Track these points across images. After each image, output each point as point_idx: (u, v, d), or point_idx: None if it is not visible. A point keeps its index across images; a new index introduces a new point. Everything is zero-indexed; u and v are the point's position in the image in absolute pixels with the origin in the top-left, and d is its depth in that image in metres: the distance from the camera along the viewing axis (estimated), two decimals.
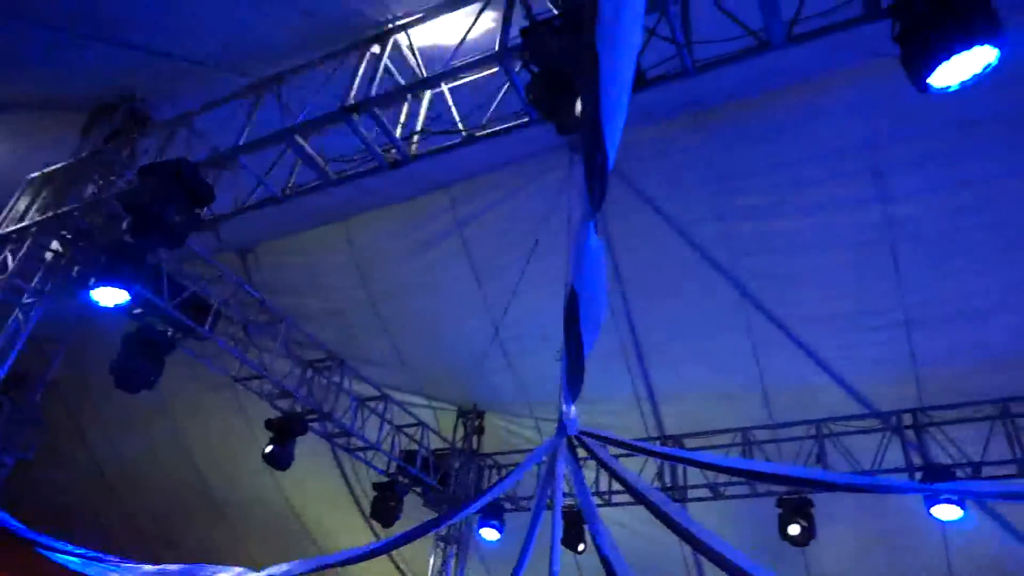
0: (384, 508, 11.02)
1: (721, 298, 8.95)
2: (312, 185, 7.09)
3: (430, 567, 11.84)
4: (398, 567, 14.31)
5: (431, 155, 6.54)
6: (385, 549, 5.84)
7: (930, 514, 8.72)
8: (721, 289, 8.91)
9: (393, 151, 6.48)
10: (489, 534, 11.46)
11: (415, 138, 6.47)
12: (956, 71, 4.36)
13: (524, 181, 8.79)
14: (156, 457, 14.03)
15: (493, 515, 11.40)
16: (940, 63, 4.31)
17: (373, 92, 6.26)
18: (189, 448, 13.85)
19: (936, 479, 8.52)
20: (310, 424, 10.28)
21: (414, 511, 11.20)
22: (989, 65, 4.27)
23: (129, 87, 8.16)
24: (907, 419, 9.30)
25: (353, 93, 6.32)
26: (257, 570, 5.24)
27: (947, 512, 8.62)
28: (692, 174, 8.30)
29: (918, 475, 8.93)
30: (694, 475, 10.25)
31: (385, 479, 11.33)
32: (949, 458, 8.99)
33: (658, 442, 10.45)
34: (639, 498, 5.03)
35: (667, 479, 10.46)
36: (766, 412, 10.07)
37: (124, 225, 6.73)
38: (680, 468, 10.33)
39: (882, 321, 8.65)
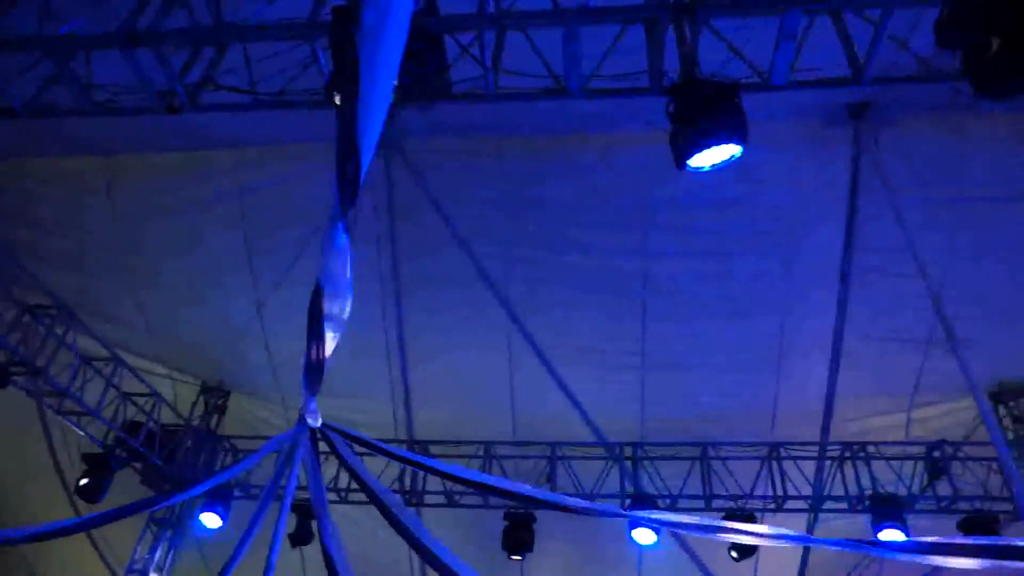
0: (91, 483, 9.88)
1: (490, 316, 9.33)
2: (65, 109, 6.20)
3: (135, 551, 10.81)
4: (97, 548, 12.85)
5: (217, 110, 6.06)
6: (86, 526, 5.26)
7: (631, 537, 9.77)
8: (491, 308, 9.28)
9: (175, 97, 5.89)
10: (210, 520, 10.74)
11: (201, 89, 5.93)
12: (710, 157, 5.16)
13: (319, 163, 8.51)
14: None
15: (219, 501, 10.72)
16: (699, 149, 5.06)
17: (163, 25, 5.58)
18: None
19: (640, 507, 9.56)
20: (14, 377, 8.95)
21: (128, 490, 10.16)
22: (734, 156, 5.14)
23: None
24: (628, 451, 10.38)
25: (138, 19, 5.62)
26: None
27: (645, 537, 9.72)
28: (487, 193, 8.62)
29: (627, 501, 9.98)
30: (434, 481, 10.50)
31: (99, 451, 10.18)
32: (655, 489, 10.17)
33: (405, 446, 10.56)
34: (372, 498, 5.07)
35: (407, 483, 10.60)
36: (511, 429, 10.65)
37: None
38: (421, 473, 10.53)
39: (624, 363, 9.63)
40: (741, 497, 9.86)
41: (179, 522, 11.26)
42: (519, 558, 10.20)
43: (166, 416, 11.01)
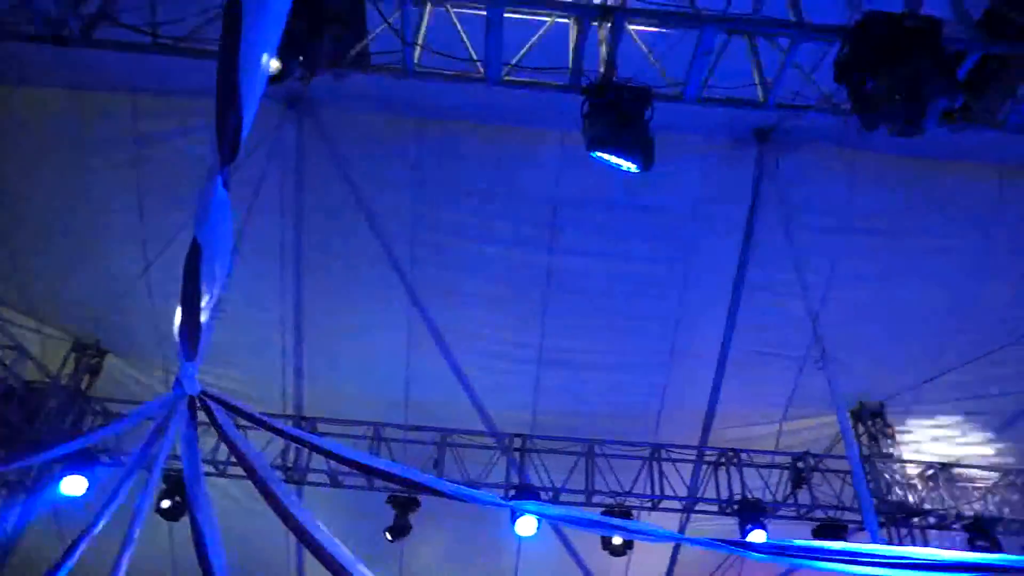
0: None
1: (392, 297, 9.23)
2: None
3: None
4: None
5: (111, 48, 5.65)
6: None
7: (512, 528, 9.90)
8: (394, 289, 9.18)
9: (65, 26, 5.42)
10: (72, 486, 10.04)
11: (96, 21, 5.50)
12: (614, 159, 5.41)
13: None
14: None
15: (83, 466, 10.03)
16: (604, 151, 5.27)
17: None
18: None
19: (523, 498, 9.70)
20: None
21: None
22: (631, 170, 5.43)
23: None
24: (517, 443, 10.51)
25: None
26: None
27: (525, 528, 9.87)
28: (401, 173, 8.49)
29: (512, 492, 10.10)
30: (318, 460, 10.27)
31: None
32: (540, 482, 10.34)
33: (291, 422, 10.27)
34: (249, 472, 4.89)
35: (290, 459, 10.32)
36: (403, 413, 10.56)
37: None
38: (305, 451, 10.27)
39: (521, 356, 9.75)
40: (621, 495, 10.18)
41: (35, 487, 10.49)
42: (396, 542, 10.14)
43: (31, 373, 10.23)
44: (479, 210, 8.64)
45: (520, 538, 10.75)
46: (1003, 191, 8.54)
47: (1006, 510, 10.19)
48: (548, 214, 8.70)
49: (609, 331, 9.59)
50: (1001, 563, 4.24)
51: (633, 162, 5.30)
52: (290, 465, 10.20)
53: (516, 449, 10.50)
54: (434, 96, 7.25)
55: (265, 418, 5.35)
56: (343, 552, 4.55)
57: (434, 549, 11.59)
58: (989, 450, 10.54)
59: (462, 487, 8.20)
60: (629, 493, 10.21)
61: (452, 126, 8.00)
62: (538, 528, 9.86)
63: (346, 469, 10.03)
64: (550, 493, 10.17)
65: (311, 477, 10.28)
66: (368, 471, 7.60)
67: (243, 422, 5.35)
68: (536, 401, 10.24)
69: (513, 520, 9.75)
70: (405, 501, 10.08)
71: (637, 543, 10.55)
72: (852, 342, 9.28)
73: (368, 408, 10.46)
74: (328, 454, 5.98)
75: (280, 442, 10.02)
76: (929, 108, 4.77)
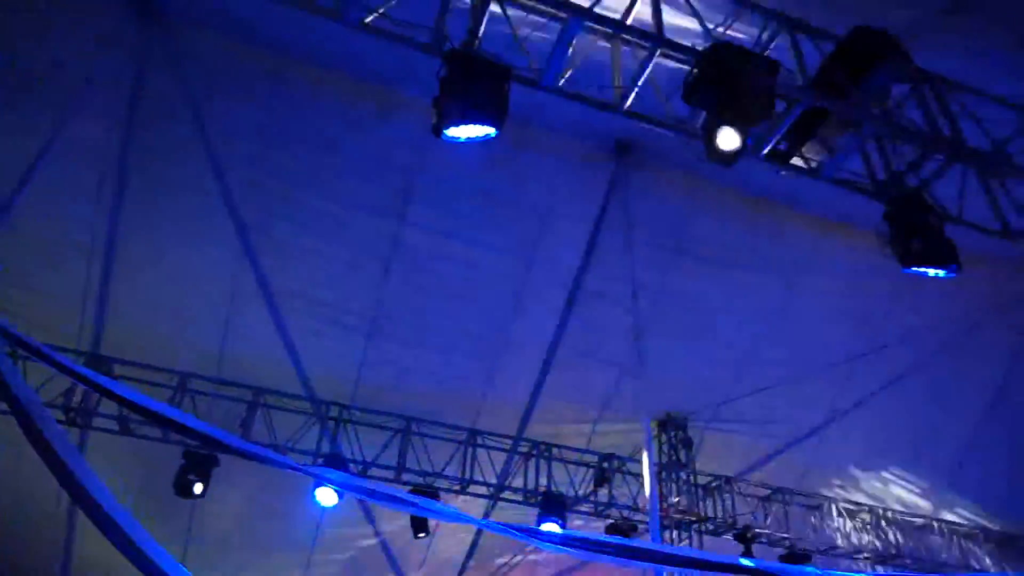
0: None
1: (220, 240, 8.58)
2: None
3: None
4: None
5: None
6: None
7: (313, 496, 9.61)
8: (224, 233, 8.55)
9: None
10: None
11: None
12: (466, 131, 5.22)
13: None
14: None
15: None
16: (457, 121, 5.13)
17: None
18: None
19: (331, 468, 9.43)
20: None
21: None
22: (489, 135, 5.25)
23: None
24: (334, 411, 10.20)
25: None
26: None
27: (327, 498, 9.61)
28: (251, 112, 7.90)
29: (319, 460, 9.79)
30: (110, 404, 9.37)
31: None
32: (351, 454, 10.11)
33: (84, 359, 9.29)
34: (12, 408, 4.31)
35: (76, 399, 9.33)
36: (215, 366, 9.88)
37: None
38: (95, 393, 9.34)
39: (351, 323, 9.45)
40: (431, 475, 10.19)
41: None
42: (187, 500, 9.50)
43: None
44: (328, 165, 8.23)
45: (322, 509, 10.48)
46: (817, 243, 9.46)
47: (770, 522, 11.44)
48: (401, 183, 8.47)
49: (444, 313, 9.53)
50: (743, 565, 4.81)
51: (487, 125, 5.17)
52: (74, 406, 9.22)
53: (331, 418, 10.20)
54: (296, 33, 6.80)
55: (46, 349, 4.74)
56: (115, 504, 4.12)
57: (228, 511, 10.97)
58: (765, 471, 11.67)
59: (265, 449, 7.84)
60: (439, 474, 10.25)
61: (312, 72, 7.54)
62: (340, 500, 9.64)
63: (140, 417, 9.28)
64: (360, 466, 9.99)
65: (98, 423, 9.36)
66: (163, 422, 7.04)
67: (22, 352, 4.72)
68: (360, 372, 9.97)
69: (314, 489, 9.46)
70: (203, 458, 9.45)
71: (442, 525, 10.63)
72: (669, 357, 9.89)
73: (176, 356, 9.69)
74: (119, 399, 5.42)
75: (64, 380, 9.05)
76: (748, 138, 5.17)
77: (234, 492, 10.44)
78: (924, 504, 12.56)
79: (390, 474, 10.09)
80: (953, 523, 12.71)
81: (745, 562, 4.51)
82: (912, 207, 6.11)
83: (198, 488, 9.48)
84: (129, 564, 3.58)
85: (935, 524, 12.56)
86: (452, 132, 5.17)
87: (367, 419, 10.31)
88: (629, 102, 5.74)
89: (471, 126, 5.14)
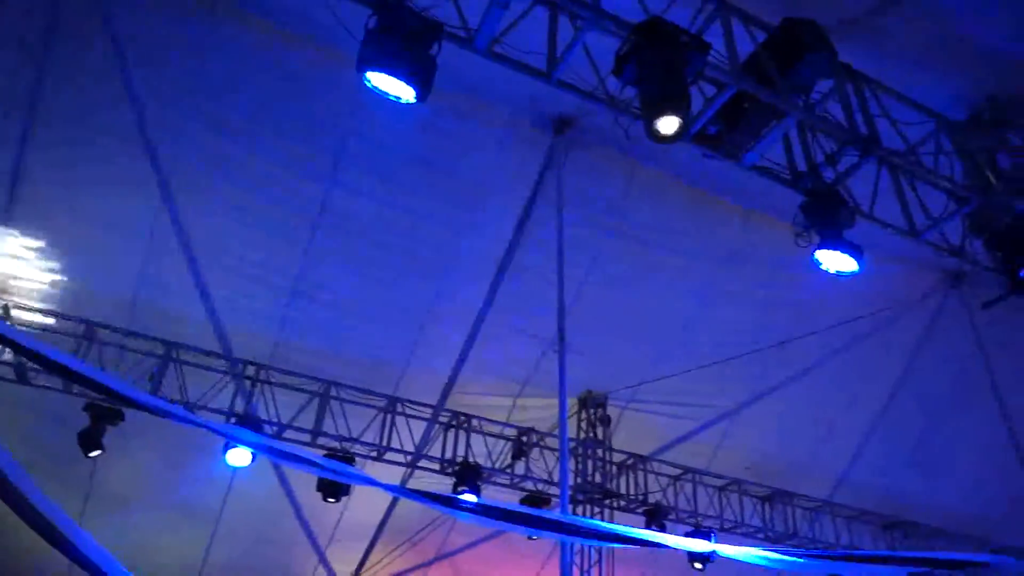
0: None
1: (140, 181, 8.07)
2: None
3: None
4: None
5: None
6: None
7: (224, 458, 9.36)
8: (145, 181, 8.09)
9: None
10: None
11: None
12: (389, 83, 5.15)
13: None
14: None
15: None
16: (375, 68, 5.06)
17: None
18: None
19: (245, 428, 9.19)
20: None
21: None
22: (410, 101, 5.21)
23: None
24: (251, 371, 9.93)
25: None
26: None
27: (239, 459, 9.39)
28: (176, 52, 7.48)
29: (233, 420, 9.53)
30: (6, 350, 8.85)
31: None
32: (267, 415, 9.88)
33: None
34: None
35: None
36: (127, 316, 9.44)
37: None
38: None
39: (273, 281, 9.19)
40: (348, 440, 10.08)
41: None
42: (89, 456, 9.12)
43: None
44: (258, 117, 7.89)
45: (233, 470, 10.25)
46: (747, 233, 9.71)
47: (680, 501, 11.84)
48: (334, 143, 8.21)
49: (371, 279, 9.36)
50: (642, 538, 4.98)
51: (411, 87, 5.09)
52: None
53: (248, 377, 9.93)
54: None
55: None
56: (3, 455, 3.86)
57: (134, 469, 10.60)
58: (679, 450, 12.03)
59: (174, 405, 7.59)
60: (356, 440, 10.15)
61: (248, 18, 7.17)
62: (252, 462, 9.43)
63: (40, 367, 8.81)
64: (275, 428, 9.78)
65: None
66: (66, 374, 6.69)
67: None
68: (280, 332, 9.73)
69: (226, 449, 9.23)
70: (107, 412, 9.08)
71: (357, 491, 10.53)
72: (593, 336, 10.01)
73: (85, 303, 9.22)
74: (16, 347, 5.10)
75: None
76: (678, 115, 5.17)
77: (142, 449, 10.09)
78: (821, 489, 13.21)
79: (306, 437, 9.93)
80: (846, 507, 13.42)
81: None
82: (828, 200, 6.34)
83: (101, 444, 9.12)
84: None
85: (829, 508, 13.24)
86: (373, 77, 5.06)
87: (285, 380, 10.09)
88: (561, 72, 5.69)
89: (393, 78, 5.04)
